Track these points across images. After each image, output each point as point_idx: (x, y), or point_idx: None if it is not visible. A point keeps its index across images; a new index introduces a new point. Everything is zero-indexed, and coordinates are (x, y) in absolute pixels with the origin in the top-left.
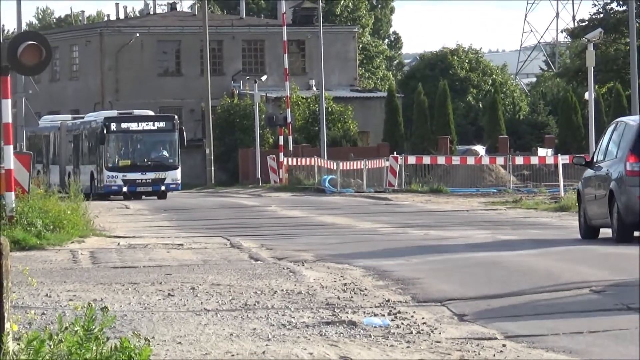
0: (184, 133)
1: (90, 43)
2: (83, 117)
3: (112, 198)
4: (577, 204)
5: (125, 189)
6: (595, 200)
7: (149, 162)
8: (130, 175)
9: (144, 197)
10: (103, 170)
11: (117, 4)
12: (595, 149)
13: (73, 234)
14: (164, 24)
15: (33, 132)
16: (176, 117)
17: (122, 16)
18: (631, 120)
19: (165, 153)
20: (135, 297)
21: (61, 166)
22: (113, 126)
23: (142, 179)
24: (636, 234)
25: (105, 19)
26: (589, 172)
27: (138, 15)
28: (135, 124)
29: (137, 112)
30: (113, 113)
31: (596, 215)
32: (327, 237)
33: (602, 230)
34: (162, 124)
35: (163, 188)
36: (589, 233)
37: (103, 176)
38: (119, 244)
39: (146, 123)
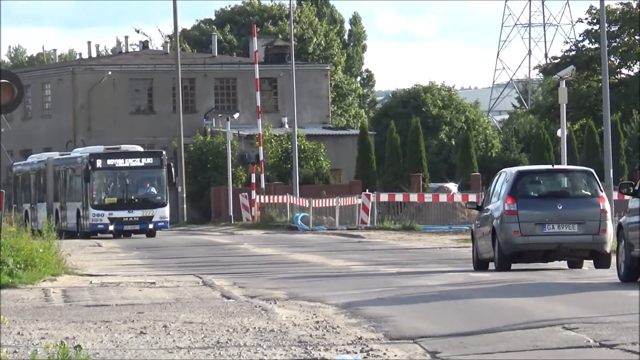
0: (172, 169)
1: (62, 81)
2: (70, 154)
3: (99, 236)
4: (472, 243)
5: (111, 227)
6: (483, 237)
7: (136, 200)
8: (117, 214)
9: (133, 235)
10: (89, 208)
11: (89, 43)
12: (485, 196)
13: (45, 272)
14: (136, 62)
15: (20, 171)
16: (164, 152)
17: (94, 54)
18: (512, 169)
19: (153, 190)
20: (107, 335)
21: (48, 204)
22: (98, 163)
23: (129, 217)
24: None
25: (78, 57)
26: (479, 214)
27: (110, 53)
28: (122, 160)
29: (124, 147)
30: (99, 149)
31: (484, 250)
32: (300, 275)
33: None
34: (149, 160)
35: (151, 226)
36: (481, 266)
37: (89, 214)
38: (91, 282)
39: (133, 159)
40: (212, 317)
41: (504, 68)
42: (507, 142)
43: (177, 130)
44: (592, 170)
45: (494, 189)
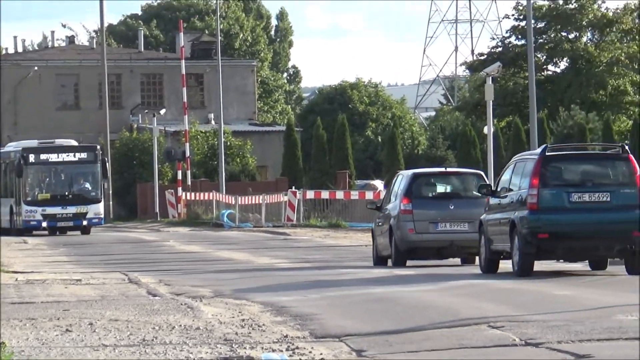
0: (107, 164)
1: None
2: (3, 148)
3: (34, 234)
4: (372, 240)
5: (44, 224)
6: (381, 235)
7: (70, 196)
8: (50, 210)
9: (69, 232)
10: (21, 204)
11: (15, 37)
12: (384, 197)
13: None
14: (62, 58)
15: None
16: (99, 147)
17: (20, 49)
18: (408, 172)
19: (87, 185)
20: (33, 332)
21: None
22: (31, 157)
23: (62, 214)
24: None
25: (4, 52)
26: (378, 213)
27: (37, 48)
28: (55, 155)
29: (59, 141)
30: (33, 143)
31: (383, 247)
32: (225, 273)
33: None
34: (83, 155)
35: (85, 223)
36: (380, 262)
37: (22, 211)
38: (16, 279)
39: (67, 154)
40: (138, 314)
41: (430, 64)
42: (434, 139)
43: (104, 126)
44: (482, 173)
45: (392, 190)
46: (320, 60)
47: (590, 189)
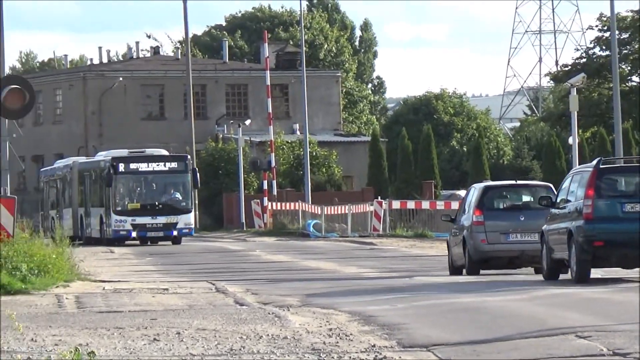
0: (197, 173)
1: (73, 87)
2: (94, 158)
3: (125, 243)
4: (447, 251)
5: (134, 233)
6: (456, 246)
7: (160, 205)
8: (140, 220)
9: (160, 243)
10: (111, 214)
11: (100, 48)
12: (459, 209)
13: (58, 278)
14: (147, 68)
15: (47, 176)
16: (189, 156)
17: (105, 60)
18: (481, 185)
19: (177, 195)
20: (120, 341)
21: (74, 210)
22: (121, 167)
23: (152, 224)
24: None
25: (88, 62)
26: (453, 225)
27: (121, 59)
28: (145, 164)
29: (149, 151)
30: (123, 152)
31: (457, 257)
32: (312, 282)
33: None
34: (174, 165)
35: (175, 233)
36: (455, 272)
37: (111, 221)
38: (104, 288)
39: (157, 163)
40: (225, 323)
41: (514, 75)
42: (519, 150)
43: (189, 137)
44: (551, 185)
45: (465, 202)
46: (405, 71)
47: None
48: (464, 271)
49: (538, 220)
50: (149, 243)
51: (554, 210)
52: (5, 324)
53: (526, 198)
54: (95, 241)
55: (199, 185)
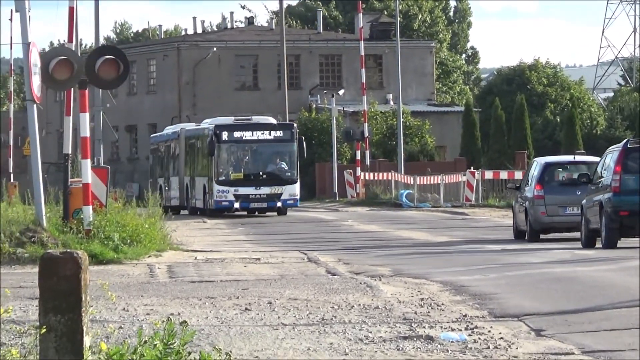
0: (304, 143)
1: (167, 57)
2: (200, 125)
3: (226, 215)
4: (512, 215)
5: (237, 204)
6: (519, 213)
7: (264, 176)
8: (243, 190)
9: (257, 213)
10: (213, 184)
11: (194, 19)
12: (523, 179)
13: (150, 248)
14: (241, 39)
15: (155, 143)
16: (295, 125)
17: (199, 30)
18: (541, 160)
19: (283, 165)
20: (212, 311)
21: (180, 178)
22: (224, 135)
23: (255, 194)
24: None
25: (183, 33)
26: (517, 193)
27: (215, 29)
28: (250, 132)
29: (255, 118)
30: (228, 120)
31: (521, 223)
32: (404, 252)
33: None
34: (279, 133)
35: (279, 204)
36: (519, 235)
37: (213, 190)
38: (196, 258)
39: (262, 132)
40: (317, 293)
41: (609, 45)
42: (612, 120)
43: (282, 107)
44: None
45: (528, 175)
46: (498, 42)
47: None
48: (526, 235)
49: None
50: (256, 213)
51: (591, 186)
52: (98, 294)
53: (583, 173)
54: (200, 211)
55: (305, 155)
